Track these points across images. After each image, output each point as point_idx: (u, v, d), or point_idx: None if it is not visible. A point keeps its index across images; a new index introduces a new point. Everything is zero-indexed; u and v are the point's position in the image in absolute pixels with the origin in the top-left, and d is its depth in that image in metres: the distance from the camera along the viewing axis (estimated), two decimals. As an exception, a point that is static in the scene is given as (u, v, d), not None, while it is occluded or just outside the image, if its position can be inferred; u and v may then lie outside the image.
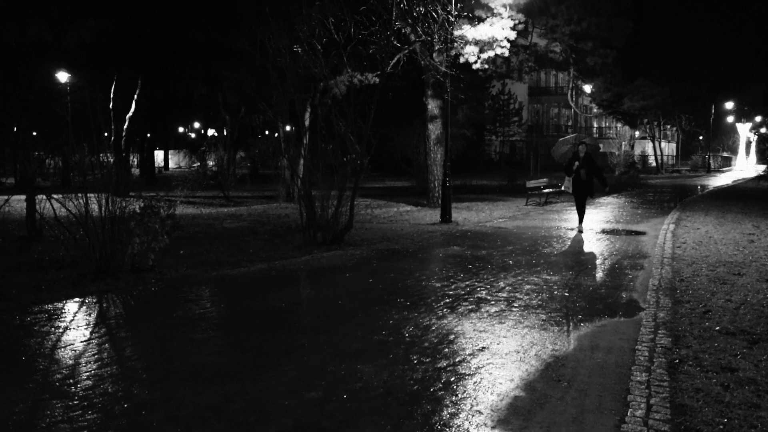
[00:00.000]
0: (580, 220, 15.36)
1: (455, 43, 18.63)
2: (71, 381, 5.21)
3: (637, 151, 66.47)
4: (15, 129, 20.44)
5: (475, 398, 4.73)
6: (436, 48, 19.16)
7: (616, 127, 70.97)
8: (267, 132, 42.13)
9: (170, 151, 69.79)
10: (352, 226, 13.10)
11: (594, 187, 15.50)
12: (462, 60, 19.38)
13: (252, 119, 33.83)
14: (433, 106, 21.24)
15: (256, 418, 4.44)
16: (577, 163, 14.91)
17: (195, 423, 4.37)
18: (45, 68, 29.01)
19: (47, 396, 4.90)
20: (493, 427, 4.25)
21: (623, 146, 58.94)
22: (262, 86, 21.32)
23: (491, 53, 19.19)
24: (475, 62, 19.39)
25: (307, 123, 22.24)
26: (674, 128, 75.01)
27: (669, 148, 79.37)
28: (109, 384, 5.13)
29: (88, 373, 5.37)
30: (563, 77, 57.10)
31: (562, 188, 16.29)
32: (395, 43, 17.10)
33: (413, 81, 23.50)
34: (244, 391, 4.92)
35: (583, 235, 14.49)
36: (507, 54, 20.54)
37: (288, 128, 25.41)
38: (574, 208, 21.58)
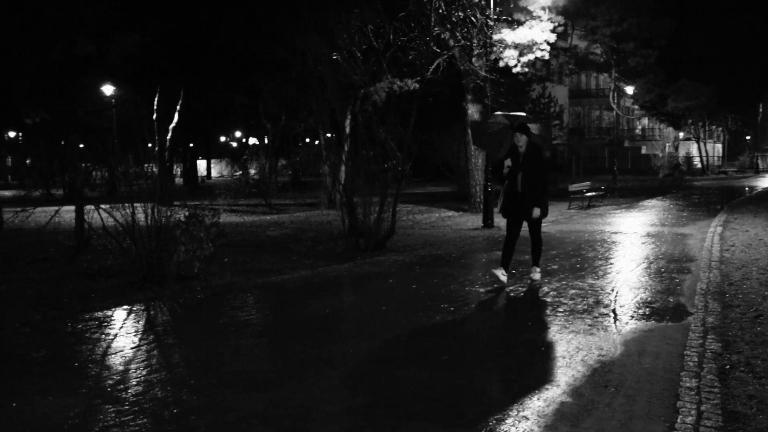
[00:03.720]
0: (504, 262, 9.12)
1: (494, 47, 18.57)
2: (122, 386, 5.30)
3: (682, 153, 65.42)
4: (64, 142, 20.93)
5: (521, 404, 4.70)
6: (476, 53, 19.10)
7: (659, 129, 69.93)
8: (308, 140, 42.46)
9: (213, 160, 70.73)
10: (394, 232, 13.11)
11: (537, 202, 8.89)
12: (501, 64, 19.30)
13: (293, 127, 34.13)
14: (473, 110, 21.17)
15: (301, 424, 4.47)
16: (507, 163, 8.89)
17: (241, 428, 4.41)
18: (91, 82, 29.64)
19: (99, 401, 4.99)
20: (540, 433, 4.22)
21: (667, 148, 58.11)
22: (303, 95, 21.49)
23: (531, 56, 19.09)
24: (515, 66, 19.29)
25: (347, 130, 22.35)
26: (720, 128, 73.62)
27: (715, 148, 77.92)
28: (159, 389, 5.21)
29: (137, 379, 5.47)
30: (604, 79, 56.43)
31: (496, 209, 10.01)
32: (434, 48, 17.11)
33: (453, 86, 23.47)
34: (290, 398, 4.95)
35: (527, 286, 8.92)
36: (547, 57, 20.42)
37: (329, 135, 25.56)
38: (620, 211, 21.35)
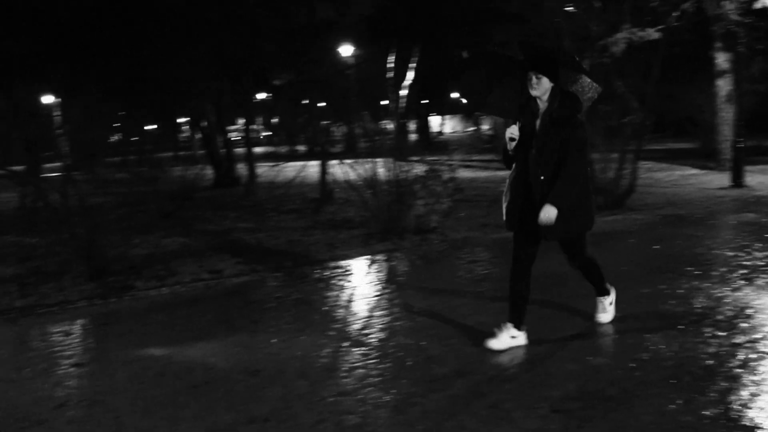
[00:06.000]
0: (513, 314, 5.09)
1: (750, -13, 16.95)
2: (366, 331, 5.67)
3: None
4: (307, 101, 22.41)
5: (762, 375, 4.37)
6: (727, -6, 17.55)
7: None
8: (540, 94, 41.69)
9: (446, 116, 71.65)
10: (633, 191, 12.59)
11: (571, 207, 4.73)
12: (758, 5, 17.55)
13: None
14: (722, 60, 19.54)
15: (540, 380, 4.50)
16: (511, 132, 4.63)
17: (482, 380, 4.54)
18: (331, 44, 31.23)
19: (347, 344, 5.38)
20: (802, 411, 3.90)
21: None
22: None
23: (795, -6, 17.19)
24: (774, 7, 17.47)
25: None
26: None
27: None
28: (401, 336, 5.49)
29: (381, 325, 5.81)
30: None
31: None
32: (681, -8, 15.95)
33: (698, 33, 21.81)
34: (529, 353, 4.99)
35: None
36: (816, -7, 18.24)
37: (563, 90, 24.90)
38: None
